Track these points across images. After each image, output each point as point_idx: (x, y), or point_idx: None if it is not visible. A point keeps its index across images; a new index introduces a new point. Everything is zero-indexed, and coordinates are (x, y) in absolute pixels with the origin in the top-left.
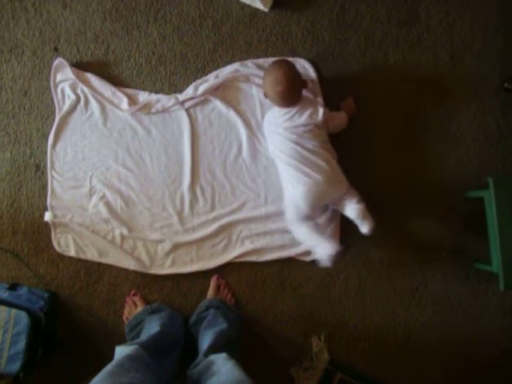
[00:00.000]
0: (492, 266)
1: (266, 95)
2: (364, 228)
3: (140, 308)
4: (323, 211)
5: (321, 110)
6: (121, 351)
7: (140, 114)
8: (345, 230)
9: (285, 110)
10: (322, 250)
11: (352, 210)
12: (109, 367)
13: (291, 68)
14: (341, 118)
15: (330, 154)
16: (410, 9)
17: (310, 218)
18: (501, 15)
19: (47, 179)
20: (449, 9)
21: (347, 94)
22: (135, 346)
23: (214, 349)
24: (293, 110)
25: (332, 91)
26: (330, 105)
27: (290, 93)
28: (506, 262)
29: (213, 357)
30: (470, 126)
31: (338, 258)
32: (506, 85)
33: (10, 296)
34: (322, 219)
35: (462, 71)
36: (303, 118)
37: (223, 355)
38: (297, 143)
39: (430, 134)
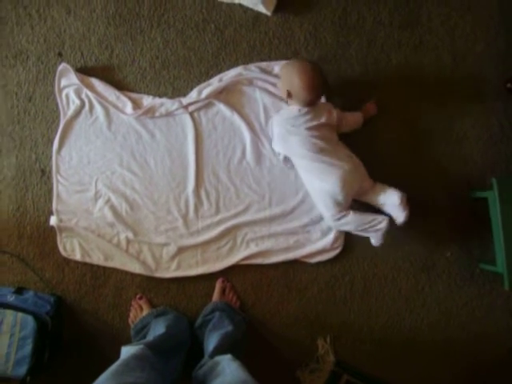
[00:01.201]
0: (497, 266)
1: (289, 94)
2: (401, 217)
3: (146, 311)
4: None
5: (333, 110)
6: (127, 351)
7: (144, 118)
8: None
9: (306, 109)
10: (374, 230)
11: (395, 197)
12: (114, 366)
13: (320, 69)
14: (354, 118)
15: (346, 149)
16: (411, 11)
17: (348, 206)
18: (502, 17)
19: (52, 184)
20: (450, 11)
21: (350, 96)
22: (141, 346)
23: (220, 350)
24: (312, 110)
25: (335, 94)
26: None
27: (320, 93)
28: (510, 262)
29: (218, 358)
30: (473, 126)
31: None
32: (508, 85)
33: (17, 300)
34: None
35: (465, 73)
36: (324, 116)
37: (228, 356)
38: (319, 139)
39: (434, 135)
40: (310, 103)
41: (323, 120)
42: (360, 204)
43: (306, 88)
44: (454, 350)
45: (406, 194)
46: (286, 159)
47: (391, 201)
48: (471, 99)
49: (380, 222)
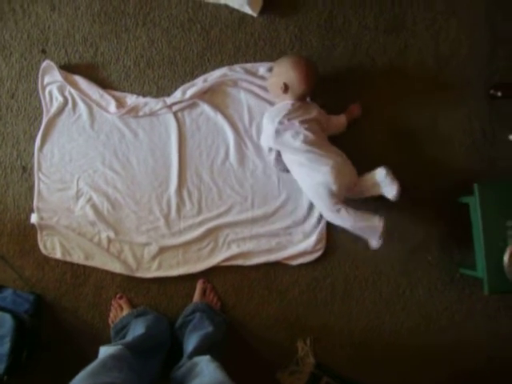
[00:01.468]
0: (477, 271)
1: (286, 87)
2: (393, 190)
3: (126, 311)
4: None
5: (322, 110)
6: (105, 351)
7: (127, 117)
8: (331, 234)
9: (298, 103)
10: (370, 231)
11: (379, 173)
12: (91, 366)
13: (314, 62)
14: (338, 120)
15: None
16: (397, 16)
17: (342, 199)
18: (487, 22)
19: (34, 181)
20: (435, 15)
21: (334, 99)
22: (119, 347)
23: (199, 351)
24: (303, 104)
25: (319, 96)
26: None
27: (314, 86)
28: (490, 267)
29: (197, 359)
30: (456, 131)
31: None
32: (491, 91)
33: None
34: (308, 223)
35: (449, 77)
36: (314, 111)
37: (207, 357)
38: (311, 132)
39: (416, 140)
40: (304, 97)
41: (314, 114)
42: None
43: (304, 80)
44: (434, 354)
45: (384, 200)
46: (278, 160)
47: (378, 177)
48: (455, 104)
49: (378, 221)
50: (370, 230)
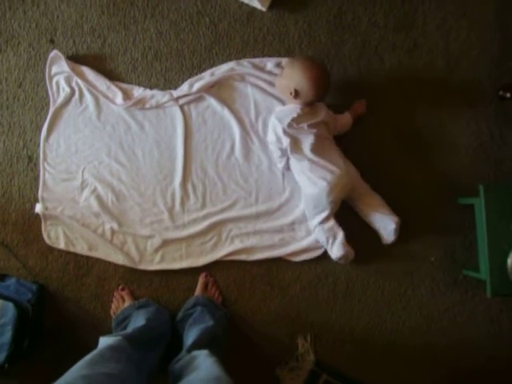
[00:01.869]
0: (480, 273)
1: (296, 93)
2: (389, 239)
3: (127, 303)
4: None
5: (329, 111)
6: (104, 341)
7: (134, 109)
8: None
9: (307, 108)
10: (335, 251)
11: (389, 222)
12: (89, 356)
13: (327, 68)
14: (344, 120)
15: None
16: (407, 14)
17: (330, 212)
18: (498, 23)
19: (39, 171)
20: (446, 15)
21: (341, 96)
22: (119, 338)
23: (198, 345)
24: (312, 108)
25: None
26: None
27: (327, 88)
28: (493, 270)
29: (195, 353)
30: (463, 132)
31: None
32: (500, 92)
33: None
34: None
35: (458, 78)
36: (322, 114)
37: (205, 352)
38: (317, 137)
39: (423, 140)
40: (314, 103)
41: (322, 117)
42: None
43: (315, 88)
44: (434, 354)
45: (393, 196)
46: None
47: (385, 224)
48: (463, 105)
49: (337, 250)
50: (332, 250)
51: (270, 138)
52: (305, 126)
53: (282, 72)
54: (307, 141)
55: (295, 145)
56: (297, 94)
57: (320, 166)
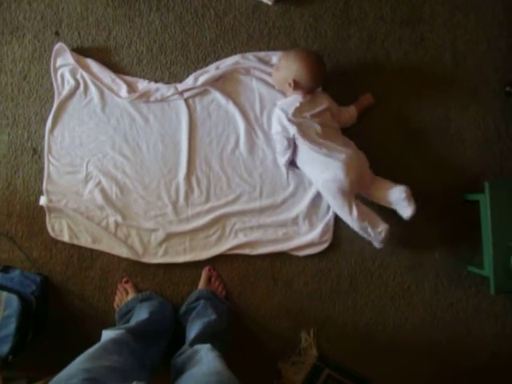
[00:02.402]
0: (484, 269)
1: (295, 84)
2: (408, 210)
3: (131, 296)
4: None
5: (327, 96)
6: (107, 335)
7: (139, 102)
8: (338, 226)
9: (309, 97)
10: (373, 236)
11: (399, 192)
12: (91, 349)
13: (320, 56)
14: (348, 113)
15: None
16: (414, 8)
17: (353, 196)
18: (506, 19)
19: (44, 163)
20: (454, 10)
21: (347, 90)
22: (121, 331)
23: (201, 339)
24: (313, 96)
25: (331, 87)
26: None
27: (323, 80)
28: (497, 266)
29: (197, 347)
30: (469, 128)
31: (389, 236)
32: (507, 88)
33: (2, 278)
34: (316, 215)
35: (464, 73)
36: (325, 102)
37: (207, 346)
38: (322, 125)
39: (429, 135)
40: (313, 90)
41: (325, 105)
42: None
43: (312, 75)
44: (437, 350)
45: None
46: (289, 163)
47: (396, 196)
48: (469, 100)
49: (381, 228)
50: (374, 234)
51: (275, 128)
52: (308, 115)
53: (278, 65)
54: (312, 129)
55: (302, 132)
56: (296, 85)
57: (331, 149)
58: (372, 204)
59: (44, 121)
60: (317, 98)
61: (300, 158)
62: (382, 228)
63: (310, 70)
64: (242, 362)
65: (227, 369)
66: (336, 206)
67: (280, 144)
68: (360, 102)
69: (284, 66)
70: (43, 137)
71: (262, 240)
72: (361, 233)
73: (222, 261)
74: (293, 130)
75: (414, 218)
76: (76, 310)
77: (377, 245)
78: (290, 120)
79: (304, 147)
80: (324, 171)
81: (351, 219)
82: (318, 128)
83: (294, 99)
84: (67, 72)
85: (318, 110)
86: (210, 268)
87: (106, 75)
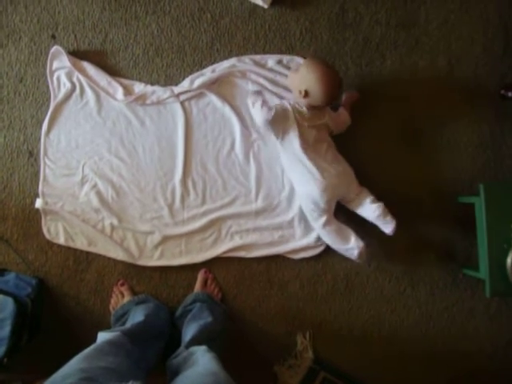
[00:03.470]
0: (479, 272)
1: (306, 94)
2: (387, 228)
3: (127, 298)
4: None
5: (330, 111)
6: (102, 336)
7: (135, 105)
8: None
9: (314, 110)
10: (350, 251)
11: (372, 210)
12: (87, 350)
13: (341, 79)
14: (342, 116)
15: (337, 151)
16: (409, 12)
17: (328, 214)
18: (500, 22)
19: (40, 166)
20: (448, 13)
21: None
22: (117, 333)
23: (196, 341)
24: (317, 110)
25: None
26: None
27: (336, 98)
28: (492, 269)
29: (193, 349)
30: (464, 131)
31: (369, 253)
32: (502, 92)
33: None
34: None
35: (459, 76)
36: (326, 116)
37: (203, 347)
38: (314, 137)
39: (423, 138)
40: (320, 107)
41: (324, 120)
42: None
43: (327, 96)
44: (433, 353)
45: (393, 194)
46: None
47: (371, 215)
48: (464, 104)
49: (352, 251)
50: (346, 252)
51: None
52: (306, 123)
53: (298, 69)
54: (303, 138)
55: (300, 132)
56: (306, 95)
57: (315, 164)
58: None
59: (40, 123)
60: (319, 112)
61: (283, 161)
62: (354, 246)
63: (326, 90)
64: (238, 365)
65: (223, 370)
66: (310, 219)
67: (265, 107)
68: (345, 103)
69: (303, 73)
70: (39, 139)
71: (258, 243)
72: (334, 248)
73: (217, 263)
74: (290, 126)
75: (410, 221)
76: (71, 313)
77: (355, 259)
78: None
79: (290, 151)
80: (300, 185)
81: (323, 233)
82: (309, 139)
83: (300, 105)
84: (63, 75)
85: (318, 123)
86: (206, 271)
87: (102, 78)
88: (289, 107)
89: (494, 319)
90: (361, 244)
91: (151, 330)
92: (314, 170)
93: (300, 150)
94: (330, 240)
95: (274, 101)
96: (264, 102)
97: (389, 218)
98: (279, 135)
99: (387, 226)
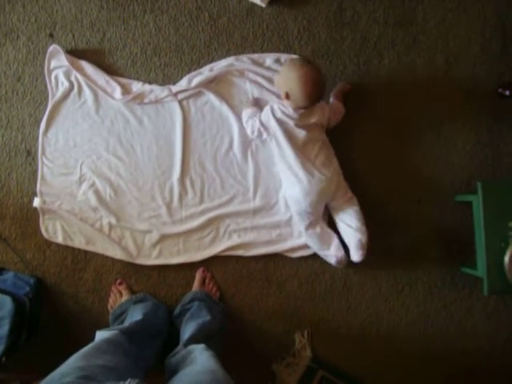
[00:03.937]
0: (477, 270)
1: (287, 95)
2: (356, 257)
3: (125, 297)
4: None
5: (326, 108)
6: (101, 335)
7: (133, 104)
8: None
9: (302, 110)
10: (328, 257)
11: (352, 237)
12: (85, 349)
13: (323, 77)
14: (335, 107)
15: (332, 151)
16: (407, 11)
17: (313, 217)
18: (498, 21)
19: (38, 165)
20: (446, 12)
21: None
22: (115, 332)
23: (195, 340)
24: (307, 110)
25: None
26: None
27: (318, 100)
28: (490, 267)
29: (191, 347)
30: (461, 129)
31: (347, 260)
32: (499, 90)
33: None
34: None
35: (457, 75)
36: (316, 116)
37: (201, 346)
38: (303, 138)
39: (421, 137)
40: (307, 107)
41: (314, 120)
42: None
43: (307, 97)
44: (431, 351)
45: (390, 193)
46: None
47: (348, 240)
48: (462, 102)
49: (330, 258)
50: (326, 258)
51: (264, 118)
52: (292, 123)
53: (281, 70)
54: (291, 139)
55: (288, 135)
56: (287, 97)
57: (303, 167)
58: None
59: (38, 122)
60: (309, 112)
61: (276, 161)
62: (332, 254)
63: (304, 92)
64: (236, 364)
65: (222, 368)
66: (296, 219)
67: (251, 127)
68: (337, 93)
69: (284, 73)
70: (37, 138)
71: (256, 241)
72: (315, 250)
73: (215, 262)
74: (274, 129)
75: (407, 219)
76: (70, 312)
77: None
78: (277, 119)
79: (277, 153)
80: (287, 187)
81: (305, 234)
82: (301, 140)
83: (287, 108)
84: (61, 74)
85: (305, 122)
86: (204, 269)
87: (100, 77)
88: (271, 113)
89: (491, 317)
90: (340, 254)
91: (149, 329)
92: (300, 173)
93: (286, 154)
94: (311, 242)
95: (273, 99)
96: (250, 118)
97: (364, 251)
98: (271, 139)
99: (356, 256)
